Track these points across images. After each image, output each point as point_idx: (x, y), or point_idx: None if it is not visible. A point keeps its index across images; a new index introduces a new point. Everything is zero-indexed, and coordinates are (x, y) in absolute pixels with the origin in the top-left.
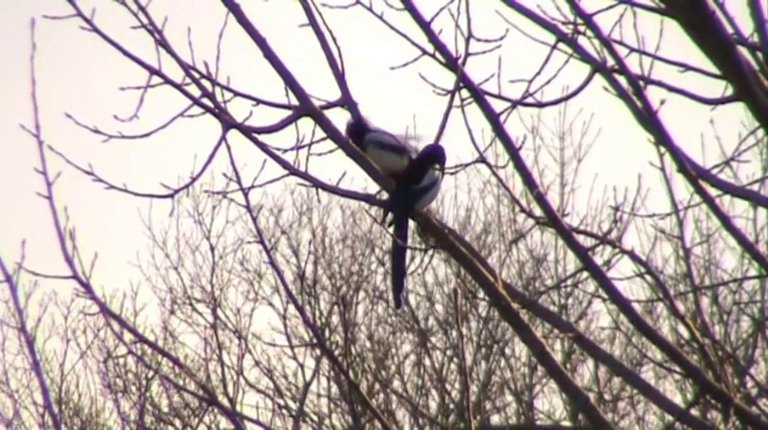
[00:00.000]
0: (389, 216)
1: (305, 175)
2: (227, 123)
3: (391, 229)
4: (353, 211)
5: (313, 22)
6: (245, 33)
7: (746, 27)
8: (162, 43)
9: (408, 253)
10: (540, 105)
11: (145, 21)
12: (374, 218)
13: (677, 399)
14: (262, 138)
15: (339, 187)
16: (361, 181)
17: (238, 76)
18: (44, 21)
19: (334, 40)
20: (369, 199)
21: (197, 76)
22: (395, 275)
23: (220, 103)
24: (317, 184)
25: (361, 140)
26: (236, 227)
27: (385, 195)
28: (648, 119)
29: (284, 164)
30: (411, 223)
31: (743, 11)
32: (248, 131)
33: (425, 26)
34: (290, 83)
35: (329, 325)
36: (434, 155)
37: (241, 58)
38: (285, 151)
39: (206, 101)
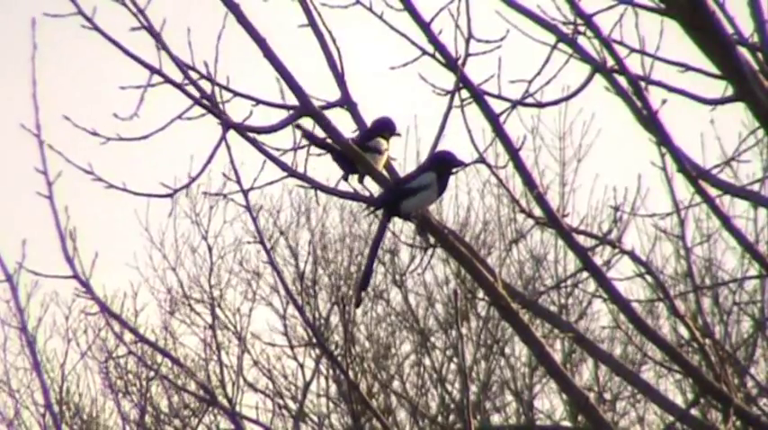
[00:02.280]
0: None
1: (303, 177)
2: (227, 123)
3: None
4: (352, 212)
5: (313, 23)
6: (244, 33)
7: (746, 27)
8: (161, 45)
9: (408, 253)
10: (540, 105)
11: (145, 22)
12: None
13: (677, 399)
14: (261, 138)
15: (337, 188)
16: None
17: (238, 77)
18: (45, 20)
19: (333, 40)
20: (367, 200)
21: (197, 76)
22: (364, 272)
23: (220, 104)
24: (316, 185)
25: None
26: (234, 227)
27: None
28: (649, 119)
29: (283, 165)
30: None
31: (743, 11)
32: (248, 131)
33: (425, 26)
34: (290, 83)
35: (328, 325)
36: (442, 159)
37: (241, 59)
38: (284, 152)
39: (206, 101)
